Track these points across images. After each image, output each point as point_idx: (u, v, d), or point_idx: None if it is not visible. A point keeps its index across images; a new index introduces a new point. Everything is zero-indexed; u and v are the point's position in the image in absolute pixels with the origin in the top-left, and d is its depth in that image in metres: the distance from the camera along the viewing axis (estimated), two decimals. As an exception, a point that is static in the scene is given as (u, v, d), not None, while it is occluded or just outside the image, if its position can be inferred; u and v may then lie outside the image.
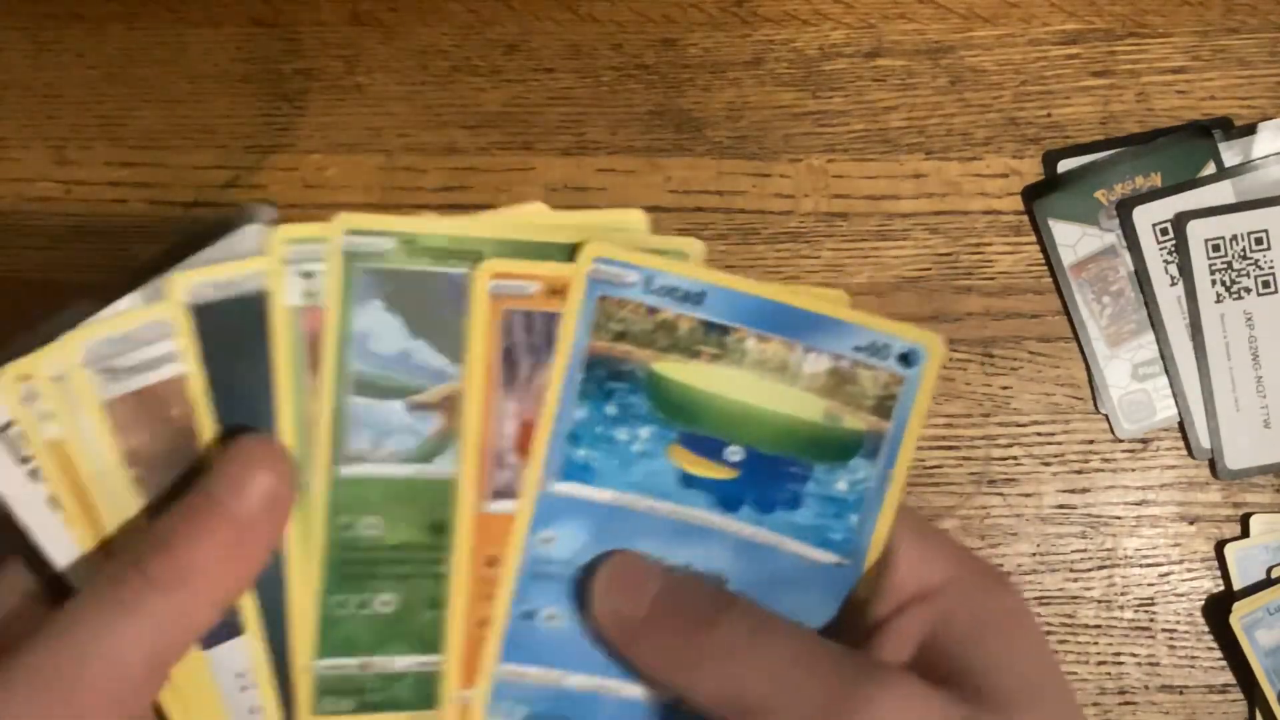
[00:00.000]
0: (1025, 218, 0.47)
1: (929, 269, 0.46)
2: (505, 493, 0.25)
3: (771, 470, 0.26)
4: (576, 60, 0.47)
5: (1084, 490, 0.46)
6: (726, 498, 0.26)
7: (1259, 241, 0.45)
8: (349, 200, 0.46)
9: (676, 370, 0.25)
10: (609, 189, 0.47)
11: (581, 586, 0.25)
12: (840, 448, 0.26)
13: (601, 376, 0.25)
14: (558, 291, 0.25)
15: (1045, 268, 0.46)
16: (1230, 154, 0.46)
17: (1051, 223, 0.46)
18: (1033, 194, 0.46)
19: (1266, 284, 0.45)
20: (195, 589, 0.22)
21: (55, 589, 0.24)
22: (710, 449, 0.26)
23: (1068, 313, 0.46)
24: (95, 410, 0.24)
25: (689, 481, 0.26)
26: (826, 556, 0.26)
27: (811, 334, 0.25)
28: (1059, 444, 0.46)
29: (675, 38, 0.47)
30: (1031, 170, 0.47)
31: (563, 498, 0.25)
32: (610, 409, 0.25)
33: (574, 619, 0.26)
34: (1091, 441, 0.46)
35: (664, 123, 0.47)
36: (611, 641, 0.25)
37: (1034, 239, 0.46)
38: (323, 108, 0.47)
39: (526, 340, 0.25)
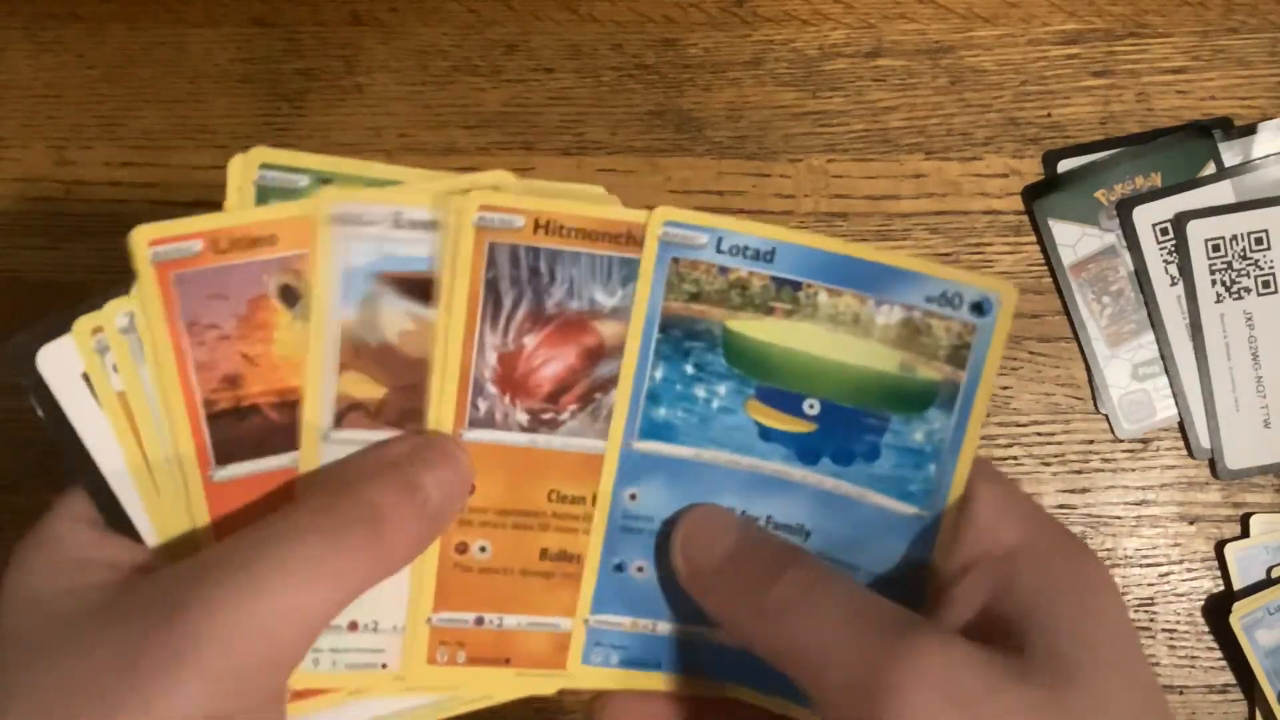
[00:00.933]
0: (1025, 218, 0.47)
1: (929, 269, 0.46)
2: (484, 422, 0.26)
3: (849, 422, 0.26)
4: (576, 60, 0.47)
5: (1084, 490, 0.46)
6: (805, 451, 0.26)
7: (1259, 241, 0.45)
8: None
9: (751, 327, 0.26)
10: (609, 189, 0.46)
11: (665, 539, 0.26)
12: (916, 398, 0.26)
13: (678, 337, 0.26)
14: (543, 226, 0.25)
15: (1045, 268, 0.46)
16: (1230, 154, 0.46)
17: (1051, 223, 0.46)
18: (1033, 194, 0.46)
19: (1266, 284, 0.45)
20: (387, 569, 0.24)
21: (111, 517, 0.25)
22: (787, 403, 0.26)
23: (1068, 313, 0.46)
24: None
25: (767, 435, 0.26)
26: (905, 507, 0.26)
27: (883, 286, 0.26)
28: (1059, 444, 0.46)
29: (675, 38, 0.47)
30: (1031, 170, 0.47)
31: (645, 455, 0.26)
32: (688, 368, 0.26)
33: (661, 571, 0.26)
34: (1091, 441, 0.46)
35: (664, 123, 0.47)
36: (688, 591, 0.26)
37: (1034, 239, 0.46)
38: (323, 108, 0.47)
39: (511, 273, 0.25)
